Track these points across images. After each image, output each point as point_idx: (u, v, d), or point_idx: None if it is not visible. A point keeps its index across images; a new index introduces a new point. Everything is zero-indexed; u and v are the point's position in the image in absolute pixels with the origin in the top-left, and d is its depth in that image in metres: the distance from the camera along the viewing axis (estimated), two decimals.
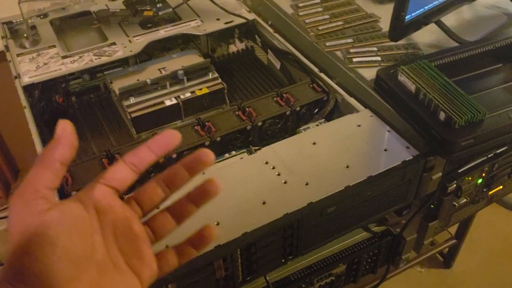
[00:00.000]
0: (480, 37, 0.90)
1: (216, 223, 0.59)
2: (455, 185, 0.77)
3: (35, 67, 0.87)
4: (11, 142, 1.71)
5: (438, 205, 0.79)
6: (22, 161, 1.79)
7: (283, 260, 0.65)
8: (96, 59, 0.88)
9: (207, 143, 0.73)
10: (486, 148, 0.71)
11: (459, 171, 0.77)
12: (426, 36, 0.90)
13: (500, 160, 0.80)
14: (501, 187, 0.88)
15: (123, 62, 0.92)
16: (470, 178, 0.79)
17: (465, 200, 0.82)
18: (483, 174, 0.81)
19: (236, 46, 1.02)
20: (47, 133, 0.79)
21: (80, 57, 0.88)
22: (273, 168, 0.66)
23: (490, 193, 0.87)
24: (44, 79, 0.84)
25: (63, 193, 0.66)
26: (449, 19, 0.92)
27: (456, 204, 0.81)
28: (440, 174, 0.73)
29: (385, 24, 0.94)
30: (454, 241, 1.52)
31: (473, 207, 0.90)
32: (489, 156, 0.79)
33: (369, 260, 0.81)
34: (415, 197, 0.73)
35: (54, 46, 0.92)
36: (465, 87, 0.75)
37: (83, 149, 0.81)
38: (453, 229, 1.52)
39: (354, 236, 0.79)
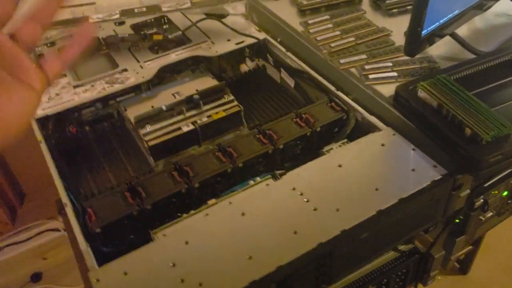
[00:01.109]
0: (495, 46, 0.89)
1: (248, 257, 0.58)
2: (482, 200, 0.76)
3: (47, 98, 0.85)
4: (16, 165, 1.69)
5: (465, 220, 0.78)
6: (27, 184, 1.78)
7: None
8: (108, 87, 0.87)
9: (229, 170, 0.72)
10: None
11: (485, 185, 0.76)
12: (441, 48, 0.89)
13: None
14: None
15: (136, 88, 0.90)
16: (496, 192, 0.78)
17: (491, 213, 0.81)
18: (509, 187, 0.80)
19: (247, 66, 1.01)
20: (63, 165, 0.78)
21: (92, 85, 0.87)
22: (301, 194, 0.65)
23: None
24: (58, 111, 0.83)
25: (88, 231, 0.64)
26: (461, 30, 0.91)
27: (483, 218, 0.80)
28: (468, 191, 0.72)
29: (397, 38, 0.93)
30: (470, 247, 1.51)
31: (497, 219, 0.88)
32: None
33: (398, 280, 0.80)
34: (443, 216, 0.72)
35: (64, 75, 0.90)
36: (486, 100, 0.75)
37: (101, 179, 0.79)
38: None
39: (381, 256, 0.78)
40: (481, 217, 0.79)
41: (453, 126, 0.70)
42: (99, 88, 0.86)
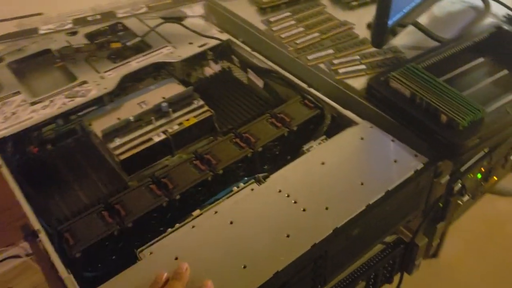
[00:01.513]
0: (455, 33, 0.91)
1: (243, 266, 0.55)
2: (460, 184, 0.77)
3: (2, 118, 0.79)
4: None
5: (445, 206, 0.79)
6: None
7: None
8: (69, 101, 0.82)
9: (209, 178, 0.69)
10: (490, 145, 0.71)
11: (462, 170, 0.77)
12: (403, 39, 0.90)
13: (496, 153, 0.81)
14: (495, 178, 0.90)
15: (98, 101, 0.86)
16: (472, 175, 0.79)
17: (467, 197, 0.82)
18: (482, 169, 0.81)
19: (212, 68, 0.98)
20: (28, 188, 0.73)
21: (51, 101, 0.82)
22: (288, 196, 0.63)
23: (487, 186, 0.88)
24: (16, 131, 0.77)
25: (67, 256, 0.60)
26: (422, 17, 0.92)
27: (461, 203, 0.81)
28: (448, 177, 0.72)
29: (360, 31, 0.93)
30: None
31: (472, 202, 0.90)
32: (487, 151, 0.80)
33: (385, 272, 0.80)
34: (426, 204, 0.73)
35: (18, 92, 0.85)
36: (454, 85, 0.76)
37: (72, 200, 0.74)
38: None
39: (368, 251, 0.78)
40: (459, 201, 0.81)
41: (428, 114, 0.71)
42: (59, 104, 0.81)
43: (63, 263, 0.59)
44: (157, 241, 0.60)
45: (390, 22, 0.78)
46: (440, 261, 1.63)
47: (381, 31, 0.78)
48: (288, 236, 0.58)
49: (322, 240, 0.58)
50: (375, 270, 0.76)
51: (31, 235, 0.66)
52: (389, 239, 0.79)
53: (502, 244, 1.65)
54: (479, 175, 0.82)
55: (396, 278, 0.86)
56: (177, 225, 0.62)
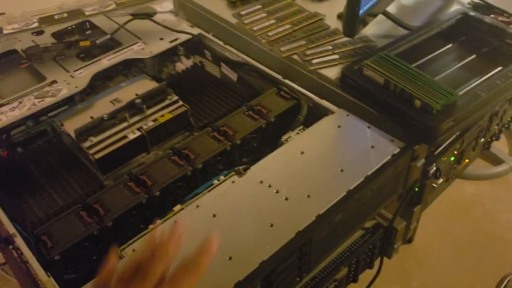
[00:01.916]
0: (423, 21, 0.93)
1: (228, 258, 0.55)
2: (434, 167, 0.78)
3: None
4: None
5: (421, 189, 0.80)
6: None
7: (298, 279, 0.63)
8: (39, 102, 0.79)
9: (189, 173, 0.68)
10: (464, 127, 0.73)
11: (436, 153, 0.79)
12: (373, 28, 0.91)
13: (467, 135, 0.83)
14: (467, 160, 0.92)
15: (69, 101, 0.84)
16: (445, 158, 0.81)
17: (442, 180, 0.84)
18: (455, 152, 0.83)
19: (184, 64, 0.97)
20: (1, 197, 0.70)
21: (20, 102, 0.80)
22: (270, 186, 0.63)
23: (459, 168, 0.91)
24: None
25: (45, 260, 0.58)
26: (389, 8, 0.93)
27: (436, 185, 0.83)
28: (423, 160, 0.74)
29: (331, 21, 0.94)
30: None
31: (446, 184, 0.93)
32: (458, 133, 0.82)
33: (366, 257, 0.81)
34: (404, 187, 0.74)
35: None
36: (426, 71, 0.78)
37: (46, 203, 0.72)
38: None
39: (350, 236, 0.78)
40: (434, 184, 0.82)
41: (402, 99, 0.72)
42: (28, 105, 0.79)
43: (42, 266, 0.57)
44: (139, 238, 0.59)
45: (361, 12, 0.79)
46: (414, 246, 1.67)
47: (352, 20, 0.78)
48: (272, 225, 0.58)
49: (305, 228, 0.58)
50: (357, 256, 0.77)
51: (3, 242, 0.64)
52: (368, 224, 0.80)
53: (470, 226, 1.70)
54: (452, 158, 0.84)
55: (378, 266, 0.88)
56: (159, 221, 0.61)
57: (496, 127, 0.94)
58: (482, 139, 0.92)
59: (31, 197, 0.74)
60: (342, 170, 0.65)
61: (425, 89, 0.71)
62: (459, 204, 1.79)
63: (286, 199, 0.61)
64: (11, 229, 0.61)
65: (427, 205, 0.93)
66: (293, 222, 0.58)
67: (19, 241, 0.60)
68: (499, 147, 1.96)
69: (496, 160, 1.91)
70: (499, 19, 0.90)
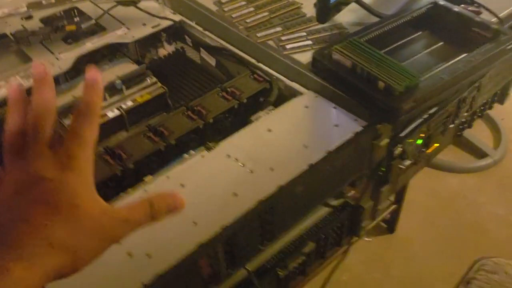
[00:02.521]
0: (396, 9, 0.96)
1: (193, 223, 0.59)
2: (400, 148, 0.82)
3: None
4: None
5: (387, 170, 0.84)
6: None
7: (261, 247, 0.66)
8: (24, 81, 0.83)
9: (162, 148, 0.72)
10: (426, 108, 0.77)
11: (401, 135, 0.82)
12: (348, 16, 0.95)
13: (434, 119, 0.86)
14: (437, 144, 0.96)
15: (53, 81, 0.87)
16: (412, 140, 0.85)
17: (409, 162, 0.88)
18: (422, 135, 0.87)
19: (166, 50, 1.01)
20: None
21: (6, 82, 0.83)
22: (236, 160, 0.67)
23: (428, 151, 0.94)
24: None
25: None
26: None
27: (403, 167, 0.86)
28: (387, 140, 0.77)
29: (307, 9, 0.98)
30: (394, 206, 1.62)
31: (416, 167, 0.96)
32: (424, 117, 0.85)
33: (334, 234, 0.84)
34: (369, 166, 0.78)
35: None
36: (395, 56, 0.81)
37: None
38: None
39: (317, 213, 0.82)
40: (401, 166, 0.86)
41: (368, 82, 0.76)
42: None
43: None
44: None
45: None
46: (396, 235, 1.71)
47: (324, 7, 0.82)
48: (235, 194, 0.62)
49: (267, 197, 0.62)
50: (324, 232, 0.81)
51: None
52: (336, 203, 0.84)
53: (452, 218, 1.74)
54: (419, 141, 0.87)
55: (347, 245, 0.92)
56: (130, 190, 0.65)
57: (466, 114, 0.98)
58: (452, 125, 0.95)
59: None
60: (306, 146, 0.69)
61: (389, 72, 0.75)
62: (442, 195, 1.83)
63: (251, 171, 0.65)
64: None
65: (397, 187, 0.96)
66: (256, 192, 0.62)
67: None
68: (485, 140, 2.00)
69: (480, 154, 1.95)
70: (469, 9, 0.94)
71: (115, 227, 0.41)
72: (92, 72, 0.43)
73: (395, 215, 1.67)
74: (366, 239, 1.70)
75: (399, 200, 1.61)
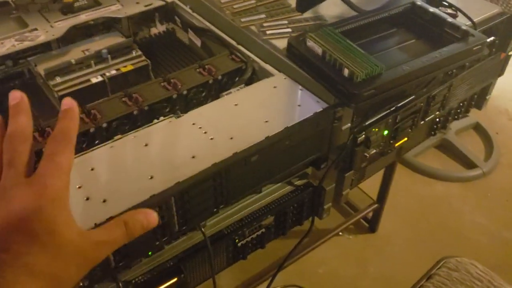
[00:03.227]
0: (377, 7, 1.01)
1: (150, 177, 0.64)
2: (363, 136, 0.86)
3: None
4: None
5: (351, 156, 0.88)
6: None
7: (215, 209, 0.71)
8: (18, 44, 0.89)
9: (135, 112, 0.77)
10: (386, 98, 0.81)
11: (366, 123, 0.87)
12: (331, 10, 1.00)
13: (401, 112, 0.91)
14: (406, 139, 0.99)
15: (46, 48, 0.93)
16: (376, 130, 0.89)
17: (374, 150, 0.92)
18: (388, 126, 0.91)
19: (158, 29, 1.07)
20: None
21: (2, 43, 0.89)
22: (200, 128, 0.72)
23: (396, 144, 0.98)
24: None
25: None
26: None
27: (367, 155, 0.90)
28: (349, 125, 0.82)
29: (294, 1, 1.02)
30: (376, 205, 1.66)
31: (384, 159, 1.00)
32: (391, 109, 0.90)
33: (295, 212, 0.89)
34: (329, 148, 0.82)
35: None
36: (366, 49, 0.85)
37: None
38: (374, 195, 1.65)
39: (279, 191, 0.87)
40: (365, 154, 0.90)
41: (334, 68, 0.80)
42: (8, 45, 0.89)
43: None
44: (78, 156, 0.68)
45: None
46: (377, 235, 1.74)
47: None
48: (193, 157, 0.67)
49: (222, 161, 0.66)
50: (284, 208, 0.85)
51: None
52: (299, 183, 0.88)
53: (435, 222, 1.77)
54: (385, 131, 0.91)
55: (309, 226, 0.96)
56: (98, 146, 0.70)
57: (438, 113, 1.02)
58: (422, 122, 0.99)
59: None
60: (266, 121, 0.73)
61: (355, 61, 0.79)
62: (427, 200, 1.86)
63: (212, 139, 0.70)
64: None
65: (365, 176, 1.00)
66: (213, 156, 0.67)
67: None
68: (476, 152, 2.03)
69: (470, 165, 1.98)
70: (448, 11, 0.98)
71: (93, 250, 0.43)
72: (68, 100, 0.46)
73: (376, 215, 1.71)
74: (347, 236, 1.75)
75: (380, 199, 1.65)
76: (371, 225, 1.75)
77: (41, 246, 0.38)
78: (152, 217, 0.48)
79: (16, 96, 0.45)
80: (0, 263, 0.36)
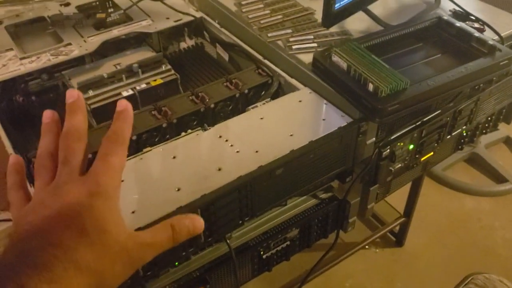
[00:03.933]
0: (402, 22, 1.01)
1: (177, 189, 0.66)
2: (388, 150, 0.86)
3: None
4: None
5: (376, 170, 0.88)
6: None
7: (240, 221, 0.72)
8: (53, 58, 0.93)
9: (164, 125, 0.80)
10: (411, 112, 0.81)
11: (391, 138, 0.87)
12: (357, 24, 1.01)
13: (426, 127, 0.91)
14: (432, 153, 0.99)
15: (80, 62, 0.97)
16: (402, 144, 0.89)
17: (400, 165, 0.92)
18: (414, 140, 0.91)
19: (187, 43, 1.10)
20: (11, 131, 0.84)
21: (38, 57, 0.93)
22: (226, 140, 0.74)
23: (422, 159, 0.98)
24: (4, 79, 0.88)
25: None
26: (377, 8, 1.03)
27: (392, 169, 0.90)
28: (374, 139, 0.82)
29: (320, 16, 1.03)
30: (403, 219, 1.64)
31: (410, 173, 1.00)
32: (417, 124, 0.90)
33: (320, 225, 0.89)
34: (354, 161, 0.82)
35: (11, 49, 0.96)
36: (392, 63, 0.86)
37: None
38: (401, 208, 1.64)
39: (304, 204, 0.88)
40: (390, 168, 0.90)
41: (359, 83, 0.81)
42: (44, 60, 0.93)
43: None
44: None
45: (337, 6, 0.88)
46: (404, 249, 1.72)
47: (328, 12, 0.88)
48: (219, 169, 0.69)
49: (247, 174, 0.68)
50: (309, 221, 0.86)
51: None
52: (324, 196, 0.89)
53: (463, 238, 1.74)
54: (410, 146, 0.91)
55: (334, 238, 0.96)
56: (129, 157, 0.73)
57: (464, 127, 1.01)
58: (448, 136, 0.99)
59: (36, 136, 0.87)
60: (291, 135, 0.74)
61: (380, 76, 0.80)
62: (456, 216, 1.83)
63: (238, 152, 0.72)
64: (9, 149, 0.74)
65: (390, 190, 1.00)
66: (238, 169, 0.68)
67: None
68: (507, 167, 1.98)
69: (500, 179, 1.94)
70: (474, 25, 0.97)
71: (139, 252, 0.44)
72: (123, 102, 0.47)
73: (404, 229, 1.69)
74: (374, 250, 1.73)
75: (407, 213, 1.63)
76: (398, 239, 1.73)
77: (90, 243, 0.39)
78: (198, 223, 0.49)
79: (73, 95, 0.46)
80: (50, 257, 0.37)
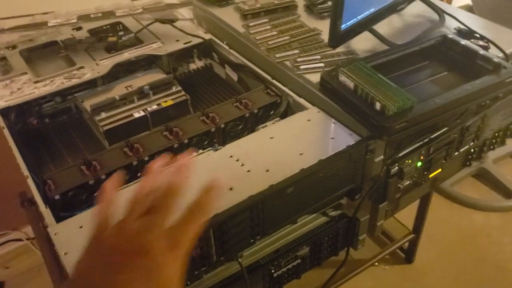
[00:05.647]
0: (408, 41, 1.03)
1: None
2: (397, 167, 0.87)
3: (9, 92, 0.93)
4: None
5: (385, 187, 0.89)
6: None
7: (252, 240, 0.73)
8: (66, 81, 0.95)
9: (175, 145, 0.81)
10: (418, 130, 0.82)
11: (399, 155, 0.88)
12: (363, 44, 1.03)
13: (434, 144, 0.91)
14: (440, 170, 1.00)
15: (92, 84, 0.99)
16: (410, 161, 0.90)
17: (408, 182, 0.93)
18: (421, 158, 0.92)
19: (196, 65, 1.12)
20: (25, 150, 0.86)
21: (52, 81, 0.96)
22: (237, 160, 0.75)
23: (430, 176, 0.98)
24: (19, 102, 0.91)
25: (47, 197, 0.72)
26: (382, 27, 1.05)
27: (401, 186, 0.91)
28: (382, 157, 0.83)
29: (326, 36, 1.05)
30: (412, 235, 1.64)
31: (418, 190, 1.00)
32: (424, 141, 0.91)
33: (330, 242, 0.90)
34: (363, 179, 0.83)
35: (25, 73, 0.99)
36: (398, 82, 0.87)
37: (60, 163, 0.87)
38: (410, 225, 1.64)
39: (314, 221, 0.88)
40: (399, 185, 0.91)
41: (366, 102, 0.82)
42: (58, 83, 0.95)
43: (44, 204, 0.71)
44: (126, 187, 0.72)
45: (343, 26, 0.90)
46: (413, 266, 1.71)
47: (334, 33, 0.90)
48: (231, 189, 0.70)
49: (258, 193, 0.69)
50: (319, 238, 0.87)
51: (27, 202, 0.77)
52: (334, 213, 0.90)
53: (473, 254, 1.73)
54: (418, 163, 0.92)
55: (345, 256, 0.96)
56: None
57: (471, 143, 1.02)
58: (456, 152, 0.99)
59: (49, 158, 0.89)
60: (301, 154, 0.76)
61: (387, 95, 0.81)
62: (465, 232, 1.82)
63: (248, 171, 0.73)
64: (25, 171, 0.75)
65: (399, 207, 1.01)
66: (249, 189, 0.70)
67: (30, 182, 0.74)
68: None
69: (509, 194, 1.93)
70: (479, 43, 0.99)
71: None
72: (215, 181, 0.48)
73: (413, 246, 1.69)
74: (383, 267, 1.72)
75: (416, 229, 1.63)
76: (408, 255, 1.72)
77: None
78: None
79: (188, 160, 0.51)
80: (111, 278, 0.38)
